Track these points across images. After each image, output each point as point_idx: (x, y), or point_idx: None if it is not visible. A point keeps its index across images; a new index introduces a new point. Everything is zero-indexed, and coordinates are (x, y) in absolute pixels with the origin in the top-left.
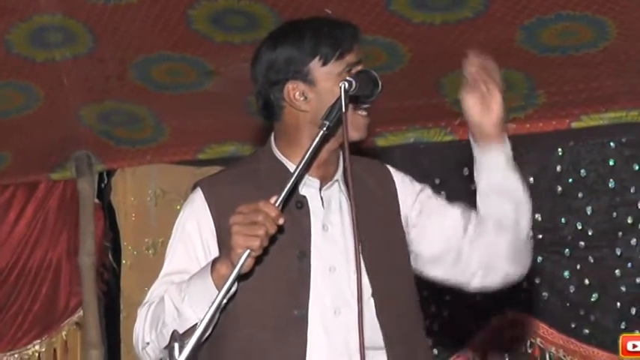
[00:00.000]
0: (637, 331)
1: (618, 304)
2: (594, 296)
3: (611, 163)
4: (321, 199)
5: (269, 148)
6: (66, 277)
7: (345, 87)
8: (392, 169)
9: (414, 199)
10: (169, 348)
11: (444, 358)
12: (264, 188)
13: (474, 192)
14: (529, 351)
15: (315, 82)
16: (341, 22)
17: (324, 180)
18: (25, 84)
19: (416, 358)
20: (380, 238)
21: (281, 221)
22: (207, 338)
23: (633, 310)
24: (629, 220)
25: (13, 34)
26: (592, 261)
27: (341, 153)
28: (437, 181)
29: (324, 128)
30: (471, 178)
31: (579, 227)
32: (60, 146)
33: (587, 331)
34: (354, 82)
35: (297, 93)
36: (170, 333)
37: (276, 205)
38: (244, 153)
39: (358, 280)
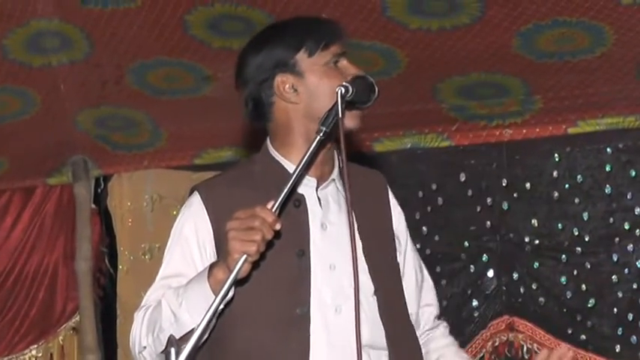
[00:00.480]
0: (634, 337)
1: (615, 309)
2: (591, 302)
3: (608, 168)
4: (319, 198)
5: (265, 150)
6: (63, 282)
7: (341, 92)
8: (384, 179)
9: (402, 235)
10: (166, 353)
11: None
12: (262, 189)
13: (471, 197)
14: (526, 357)
15: (303, 73)
16: (322, 18)
17: (321, 179)
18: (21, 89)
19: (416, 359)
20: (378, 239)
21: (278, 226)
22: (204, 342)
23: (630, 316)
24: (626, 226)
25: (10, 40)
26: (589, 267)
27: (336, 152)
28: (433, 187)
29: (321, 134)
30: (467, 184)
31: (576, 233)
32: (56, 151)
33: (583, 336)
34: (350, 88)
35: (287, 85)
36: (167, 337)
37: (273, 210)
38: (241, 158)
39: (355, 278)
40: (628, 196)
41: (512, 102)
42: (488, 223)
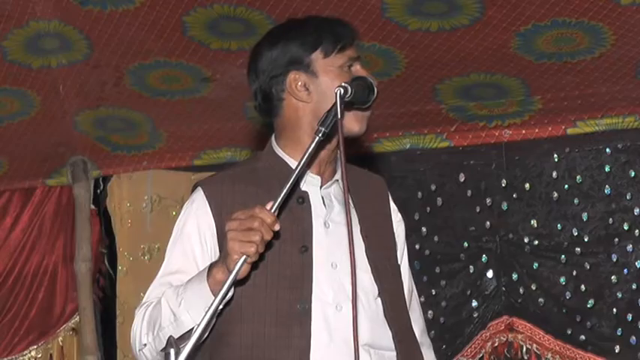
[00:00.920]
0: (633, 338)
1: (614, 310)
2: (590, 302)
3: (607, 169)
4: (322, 197)
5: (270, 147)
6: (62, 283)
7: (340, 93)
8: (385, 184)
9: (400, 245)
10: (165, 354)
11: None
12: (265, 186)
13: (470, 198)
14: (525, 357)
15: (317, 73)
16: (340, 20)
17: (325, 178)
18: (20, 90)
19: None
20: (381, 240)
21: (277, 227)
22: (204, 341)
23: (629, 317)
24: (625, 227)
25: (9, 41)
26: (588, 267)
27: (338, 154)
28: (433, 187)
29: (320, 134)
30: (466, 184)
31: (575, 233)
32: (56, 152)
33: (583, 337)
34: (349, 88)
35: (299, 83)
36: (166, 336)
37: (272, 210)
38: (240, 159)
39: (353, 277)
40: (627, 197)
41: (511, 103)
42: (488, 223)
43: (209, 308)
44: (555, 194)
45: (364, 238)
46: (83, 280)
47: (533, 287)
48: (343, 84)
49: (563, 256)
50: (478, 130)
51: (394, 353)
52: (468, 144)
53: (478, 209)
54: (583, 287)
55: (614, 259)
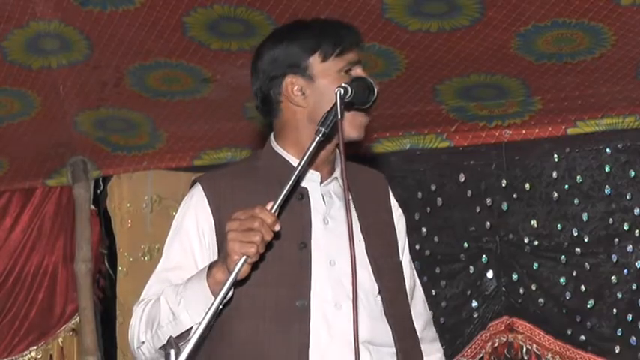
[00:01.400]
0: (633, 338)
1: (614, 310)
2: (590, 302)
3: (607, 169)
4: (322, 194)
5: (269, 145)
6: (62, 284)
7: (340, 93)
8: (389, 188)
9: (402, 240)
10: (166, 354)
11: None
12: (264, 183)
13: (470, 198)
14: (525, 357)
15: (314, 77)
16: (344, 23)
17: (324, 176)
18: (21, 91)
19: (419, 356)
20: (381, 237)
21: (277, 228)
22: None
23: (629, 317)
24: (625, 227)
25: (9, 41)
26: (588, 267)
27: (338, 154)
28: (433, 188)
29: (320, 135)
30: (466, 185)
31: (575, 233)
32: (56, 152)
33: (583, 337)
34: (349, 89)
35: (296, 87)
36: (165, 334)
37: (273, 210)
38: (240, 159)
39: (353, 275)
40: (627, 197)
41: (511, 103)
42: (488, 223)
43: (209, 309)
44: (555, 194)
45: (364, 235)
46: (83, 280)
47: (533, 287)
48: (343, 84)
49: (563, 256)
50: (478, 130)
51: (394, 350)
52: (468, 144)
53: (478, 209)
54: (583, 287)
55: (614, 260)
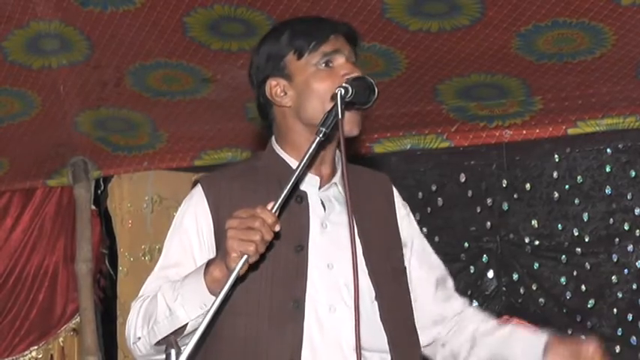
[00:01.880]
0: (634, 338)
1: (615, 310)
2: (591, 302)
3: (608, 169)
4: (320, 198)
5: (270, 147)
6: (63, 284)
7: (341, 93)
8: (393, 187)
9: (409, 237)
10: (166, 354)
11: None
12: (264, 184)
13: (471, 198)
14: None
15: (292, 76)
16: (319, 18)
17: (323, 180)
18: (21, 91)
19: None
20: (380, 241)
21: (277, 228)
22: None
23: (630, 317)
24: (626, 227)
25: (10, 41)
26: (588, 267)
27: (338, 155)
28: (433, 188)
29: (320, 135)
30: (467, 185)
31: (576, 233)
32: (56, 153)
33: (583, 337)
34: (350, 89)
35: (278, 89)
36: (161, 330)
37: (273, 211)
38: (241, 159)
39: (355, 280)
40: (628, 197)
41: (512, 103)
42: (488, 223)
43: (210, 309)
44: (556, 194)
45: (362, 240)
46: (84, 280)
47: (534, 287)
48: (344, 84)
49: (563, 256)
50: (479, 130)
51: (388, 356)
52: (469, 144)
53: (479, 209)
54: (583, 287)
55: (615, 260)
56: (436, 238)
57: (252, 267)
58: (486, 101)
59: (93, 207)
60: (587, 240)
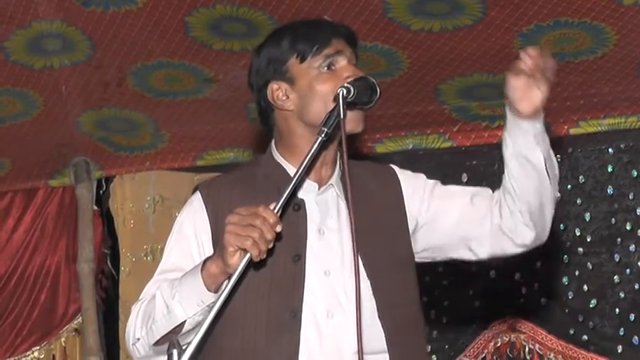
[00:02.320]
0: (636, 338)
1: (617, 310)
2: (593, 302)
3: (610, 169)
4: (317, 203)
5: (269, 153)
6: (65, 284)
7: (343, 93)
8: (397, 169)
9: (422, 195)
10: (168, 355)
11: None
12: (263, 192)
13: None
14: (528, 357)
15: (295, 79)
16: (320, 21)
17: (321, 183)
18: (23, 91)
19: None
20: (382, 235)
21: (279, 228)
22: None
23: (632, 317)
24: (628, 227)
25: (12, 42)
26: (591, 267)
27: (338, 154)
28: None
29: (322, 135)
30: (469, 184)
31: (578, 233)
32: (58, 153)
33: (585, 337)
34: (352, 89)
35: (280, 93)
36: (159, 329)
37: (275, 211)
38: (243, 159)
39: (357, 284)
40: (630, 197)
41: None
42: None
43: (211, 309)
44: (558, 194)
45: (359, 240)
46: (86, 280)
47: (536, 287)
48: (345, 84)
49: (565, 256)
50: (481, 130)
51: (387, 356)
52: (471, 144)
53: None
54: (585, 287)
55: (617, 259)
56: None
57: (249, 277)
58: (488, 101)
59: (95, 207)
60: (589, 240)
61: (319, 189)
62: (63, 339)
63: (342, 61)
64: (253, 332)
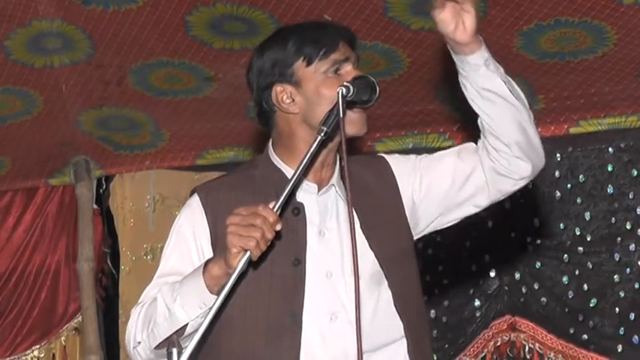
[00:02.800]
0: (636, 337)
1: (617, 309)
2: (593, 301)
3: (610, 168)
4: (317, 204)
5: (266, 155)
6: (65, 283)
7: (342, 92)
8: (388, 158)
9: (412, 172)
10: (168, 353)
11: None
12: (261, 195)
13: None
14: (528, 356)
15: (301, 82)
16: (326, 24)
17: (321, 184)
18: (23, 90)
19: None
20: (387, 227)
21: (279, 227)
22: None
23: (632, 316)
24: (628, 226)
25: (12, 40)
26: (591, 266)
27: (338, 155)
28: None
29: (322, 134)
30: None
31: (578, 233)
32: (58, 152)
33: (585, 336)
34: (351, 88)
35: (285, 95)
36: (160, 332)
37: (275, 210)
38: (243, 158)
39: (356, 284)
40: (630, 196)
41: None
42: (490, 223)
43: (210, 309)
44: (558, 193)
45: (365, 233)
46: (86, 279)
47: (536, 286)
48: (345, 83)
49: (565, 255)
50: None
51: (404, 342)
52: None
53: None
54: (585, 286)
55: (617, 259)
56: (438, 238)
57: (249, 282)
58: None
59: (95, 206)
60: (589, 239)
61: (319, 190)
62: (63, 338)
63: (347, 67)
64: (252, 337)
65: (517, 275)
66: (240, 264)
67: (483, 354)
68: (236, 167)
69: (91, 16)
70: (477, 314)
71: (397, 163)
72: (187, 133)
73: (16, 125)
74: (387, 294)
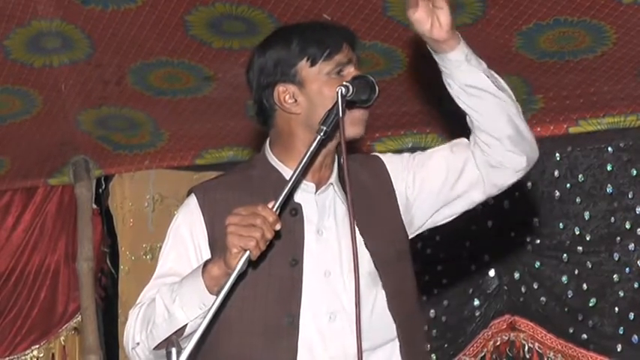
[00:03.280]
0: (635, 337)
1: (616, 309)
2: (592, 301)
3: (609, 168)
4: (316, 203)
5: (264, 155)
6: (64, 283)
7: (342, 92)
8: (383, 157)
9: (405, 169)
10: (167, 353)
11: None
12: (258, 195)
13: None
14: (527, 356)
15: (304, 83)
16: (329, 24)
17: (319, 184)
18: (22, 89)
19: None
20: (383, 227)
21: (278, 226)
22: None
23: (631, 315)
24: (627, 225)
25: (11, 40)
26: (590, 266)
27: (337, 155)
28: None
29: (321, 133)
30: None
31: (577, 232)
32: (58, 151)
33: (585, 336)
34: (350, 87)
35: (287, 95)
36: (159, 333)
37: (274, 210)
38: (243, 158)
39: (356, 283)
40: (629, 196)
41: None
42: (490, 222)
43: (210, 308)
44: (557, 193)
45: (363, 233)
46: (85, 279)
47: (535, 286)
48: (344, 83)
49: (565, 254)
50: None
51: (397, 343)
52: None
53: (480, 208)
54: (585, 286)
55: (616, 258)
56: (437, 237)
57: (247, 283)
58: None
59: (94, 206)
60: (588, 239)
61: (317, 190)
62: (62, 337)
63: (350, 68)
64: (250, 339)
65: (516, 275)
66: (239, 264)
67: (483, 353)
68: (233, 167)
69: (90, 15)
70: (477, 314)
71: (391, 162)
72: (186, 133)
73: (16, 125)
74: (382, 294)
